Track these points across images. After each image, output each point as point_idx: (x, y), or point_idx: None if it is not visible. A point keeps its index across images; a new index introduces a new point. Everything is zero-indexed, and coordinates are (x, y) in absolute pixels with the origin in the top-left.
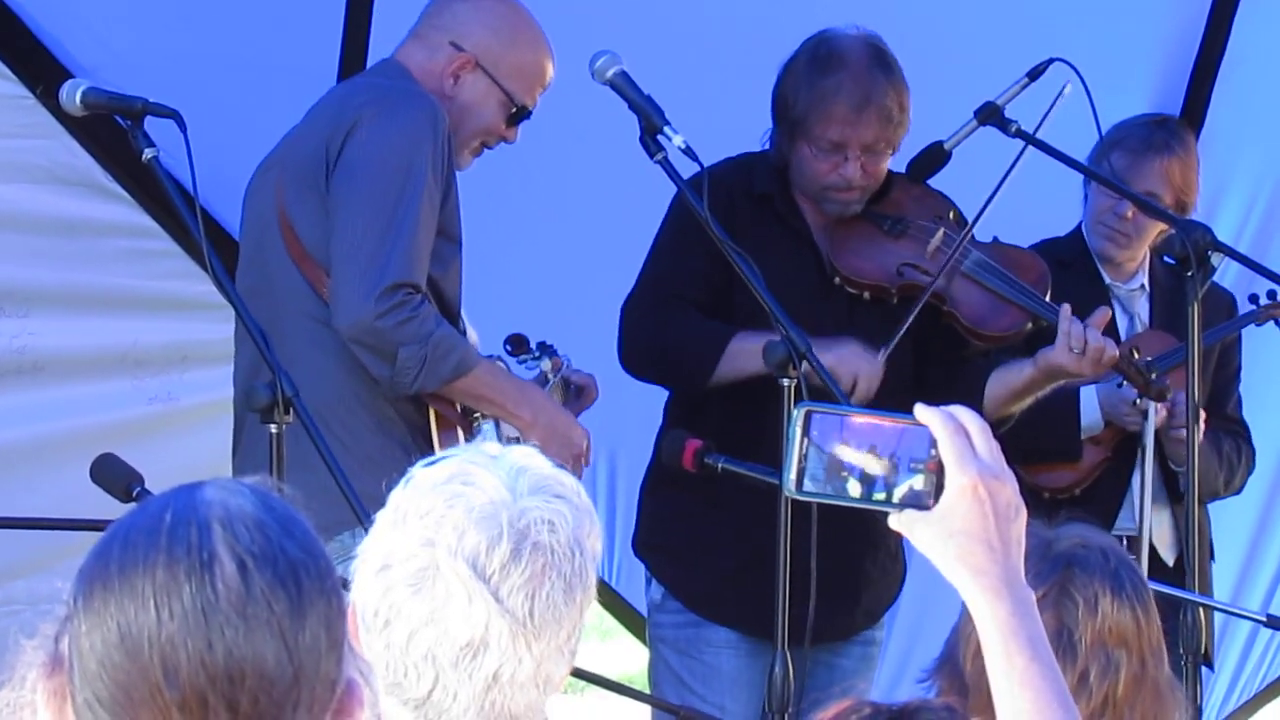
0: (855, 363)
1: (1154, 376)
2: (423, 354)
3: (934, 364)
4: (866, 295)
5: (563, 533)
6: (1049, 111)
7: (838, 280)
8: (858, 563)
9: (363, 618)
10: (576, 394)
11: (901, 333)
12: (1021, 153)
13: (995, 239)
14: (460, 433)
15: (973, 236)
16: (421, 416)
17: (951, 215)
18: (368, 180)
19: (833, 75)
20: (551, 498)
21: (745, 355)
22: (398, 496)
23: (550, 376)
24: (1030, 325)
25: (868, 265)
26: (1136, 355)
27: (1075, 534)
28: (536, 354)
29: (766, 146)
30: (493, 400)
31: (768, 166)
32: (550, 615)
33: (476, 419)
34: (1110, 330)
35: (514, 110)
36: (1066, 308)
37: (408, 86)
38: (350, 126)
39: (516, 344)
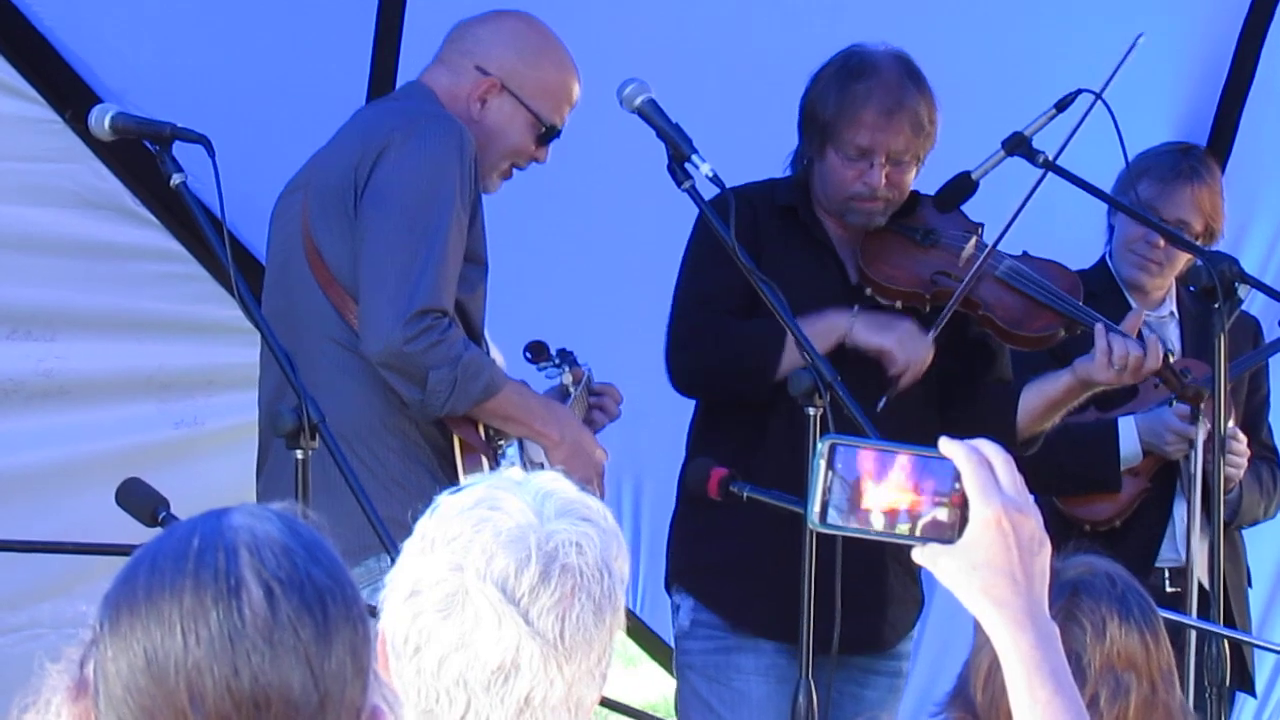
0: (910, 347)
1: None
2: (453, 376)
3: (958, 384)
4: (899, 305)
5: (591, 554)
6: (1071, 135)
7: (869, 290)
8: (881, 575)
9: (393, 645)
10: (600, 407)
11: (946, 316)
12: (1042, 178)
13: (1025, 253)
14: (485, 460)
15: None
16: (446, 441)
17: (980, 234)
18: (397, 205)
19: (864, 81)
20: (578, 520)
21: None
22: (425, 524)
23: (572, 390)
24: (1064, 331)
25: (901, 273)
26: (1172, 359)
27: (1081, 560)
28: (556, 361)
29: (789, 172)
30: (520, 420)
31: (791, 182)
32: (581, 637)
33: (500, 445)
34: None
35: (543, 130)
36: (1100, 327)
37: (435, 110)
38: (379, 151)
39: (536, 351)
